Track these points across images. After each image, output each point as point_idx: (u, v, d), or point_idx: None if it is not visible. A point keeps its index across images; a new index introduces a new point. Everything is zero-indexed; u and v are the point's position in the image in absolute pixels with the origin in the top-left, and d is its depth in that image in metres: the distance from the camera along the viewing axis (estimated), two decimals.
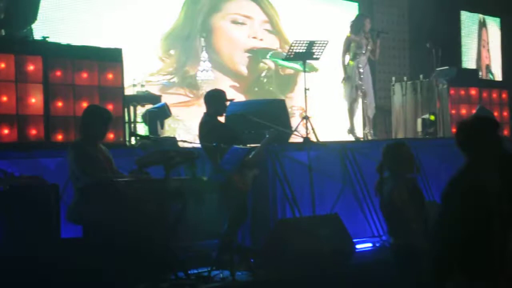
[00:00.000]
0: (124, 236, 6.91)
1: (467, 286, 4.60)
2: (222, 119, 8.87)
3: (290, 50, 11.05)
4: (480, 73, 14.75)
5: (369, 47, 12.11)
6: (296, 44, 10.99)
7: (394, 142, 7.30)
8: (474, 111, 12.58)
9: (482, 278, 4.55)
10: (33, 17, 8.80)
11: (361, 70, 12.02)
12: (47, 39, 8.67)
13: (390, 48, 13.12)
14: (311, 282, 7.70)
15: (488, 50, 16.12)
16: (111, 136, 8.45)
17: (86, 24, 10.00)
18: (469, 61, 15.05)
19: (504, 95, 14.06)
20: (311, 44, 11.02)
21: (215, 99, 8.64)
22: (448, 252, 4.64)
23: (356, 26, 12.09)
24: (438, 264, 4.72)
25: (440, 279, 4.67)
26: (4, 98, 8.03)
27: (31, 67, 8.21)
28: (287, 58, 11.19)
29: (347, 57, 12.12)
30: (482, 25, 15.91)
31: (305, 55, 11.04)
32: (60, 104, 8.39)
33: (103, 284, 6.65)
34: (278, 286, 7.74)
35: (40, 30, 8.90)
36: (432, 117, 12.45)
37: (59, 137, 8.36)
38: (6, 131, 8.05)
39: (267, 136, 8.60)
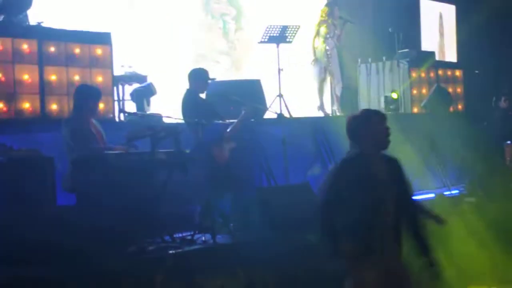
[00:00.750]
0: (115, 204, 7.03)
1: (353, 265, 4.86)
2: (203, 96, 8.94)
3: (265, 34, 11.12)
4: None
5: (336, 32, 12.22)
6: (270, 29, 11.08)
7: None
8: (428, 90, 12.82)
9: (366, 256, 4.79)
10: (28, 3, 8.80)
11: (329, 53, 12.14)
12: (41, 24, 8.70)
13: (356, 32, 13.16)
14: (283, 244, 7.81)
15: (442, 33, 16.21)
16: (102, 112, 8.48)
17: (78, 9, 9.95)
18: (427, 44, 15.12)
19: (458, 74, 14.23)
20: (284, 28, 11.13)
21: (198, 76, 8.70)
22: (335, 233, 4.85)
23: (326, 13, 12.20)
24: (328, 244, 4.93)
25: (332, 256, 4.95)
26: (2, 78, 8.02)
27: (27, 49, 8.21)
28: (262, 42, 11.23)
29: (317, 41, 12.21)
30: (439, 11, 15.98)
31: (278, 39, 11.13)
32: (54, 83, 8.40)
33: (96, 247, 6.70)
34: (255, 247, 7.74)
35: (35, 15, 8.86)
36: (394, 95, 12.59)
37: (54, 113, 8.37)
38: (4, 108, 8.04)
39: (243, 112, 8.71)
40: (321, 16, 12.35)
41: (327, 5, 12.55)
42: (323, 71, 12.17)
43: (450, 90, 13.34)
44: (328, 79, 12.27)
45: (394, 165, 5.06)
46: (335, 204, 4.86)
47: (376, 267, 4.79)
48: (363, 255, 4.79)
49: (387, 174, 4.95)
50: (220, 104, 8.91)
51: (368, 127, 4.95)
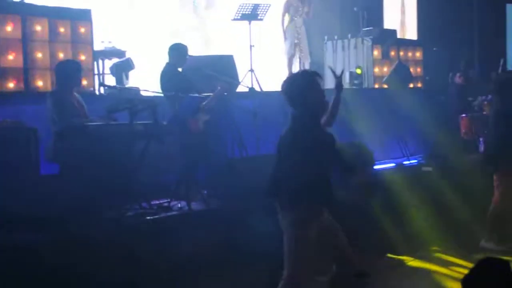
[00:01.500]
0: (95, 173, 7.01)
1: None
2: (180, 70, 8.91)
3: (238, 12, 11.11)
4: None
5: (305, 9, 12.22)
6: (243, 7, 11.07)
7: None
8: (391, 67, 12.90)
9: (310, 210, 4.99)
10: None
11: (298, 30, 12.17)
12: (24, 0, 8.62)
13: (323, 11, 13.20)
14: (254, 210, 7.86)
15: (404, 13, 16.28)
16: (83, 86, 8.42)
17: None
18: (390, 23, 15.20)
19: (418, 54, 14.33)
20: (256, 6, 11.13)
21: (178, 51, 8.70)
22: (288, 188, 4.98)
23: None
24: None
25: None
26: None
27: (10, 25, 8.13)
28: (235, 19, 11.22)
29: (287, 18, 12.21)
30: None
31: (250, 16, 11.13)
32: (37, 57, 8.34)
33: (78, 214, 6.73)
34: (227, 214, 7.85)
35: None
36: (358, 71, 12.67)
37: (38, 88, 8.31)
38: None
39: (219, 88, 8.71)
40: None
41: None
42: (293, 47, 12.20)
43: (412, 69, 13.43)
44: (297, 55, 12.28)
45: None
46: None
47: (317, 219, 5.05)
48: (309, 209, 4.96)
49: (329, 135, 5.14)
50: (195, 78, 8.90)
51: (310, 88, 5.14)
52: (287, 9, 12.16)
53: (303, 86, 5.10)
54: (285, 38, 12.28)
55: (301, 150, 4.95)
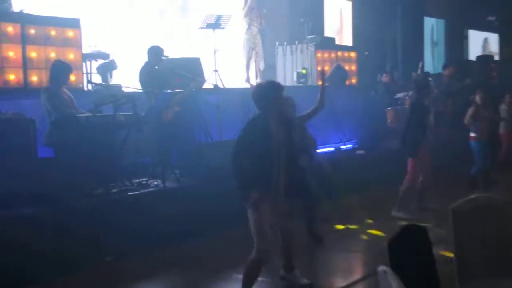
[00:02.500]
0: (85, 156, 7.00)
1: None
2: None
3: (204, 21, 11.09)
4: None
5: (259, 21, 12.26)
6: (208, 17, 11.07)
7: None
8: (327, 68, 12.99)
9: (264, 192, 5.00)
10: None
11: (254, 37, 12.18)
12: (23, 11, 8.53)
13: (275, 22, 13.24)
14: (217, 186, 7.91)
15: (341, 23, 16.37)
16: (73, 83, 8.35)
17: None
18: (330, 31, 15.27)
19: (353, 55, 14.45)
20: (219, 17, 11.13)
21: (155, 52, 8.63)
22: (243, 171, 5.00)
23: (251, 5, 12.23)
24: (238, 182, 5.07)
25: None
26: None
27: (12, 31, 8.04)
28: (201, 28, 11.20)
29: (245, 27, 12.22)
30: (340, 6, 16.11)
31: (214, 25, 11.12)
32: (34, 58, 8.26)
33: (71, 189, 6.73)
34: (196, 190, 7.87)
35: (17, 3, 8.70)
36: (304, 71, 12.75)
37: (34, 84, 8.23)
38: None
39: (192, 85, 8.75)
40: (246, 8, 12.35)
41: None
42: (250, 51, 12.22)
43: (347, 68, 13.54)
44: (254, 58, 12.30)
45: (287, 125, 5.24)
46: (243, 153, 4.99)
47: (270, 201, 5.05)
48: (262, 192, 4.96)
49: (281, 131, 5.14)
50: (168, 77, 8.90)
51: (270, 95, 5.15)
52: (245, 19, 12.18)
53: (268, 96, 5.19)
54: (244, 44, 12.31)
55: (250, 144, 5.01)
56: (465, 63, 18.88)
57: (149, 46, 8.79)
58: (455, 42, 20.91)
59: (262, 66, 12.52)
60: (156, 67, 8.69)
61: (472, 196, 3.83)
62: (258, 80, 12.45)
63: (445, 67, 14.46)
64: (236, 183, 5.06)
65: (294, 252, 5.58)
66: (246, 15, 12.14)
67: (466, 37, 21.88)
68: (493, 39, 23.40)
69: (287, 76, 13.10)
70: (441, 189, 8.80)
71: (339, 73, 12.76)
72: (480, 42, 22.78)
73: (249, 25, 12.16)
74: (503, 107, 12.22)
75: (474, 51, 21.43)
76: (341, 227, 7.98)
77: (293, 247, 5.54)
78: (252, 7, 12.13)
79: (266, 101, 5.12)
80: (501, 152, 11.66)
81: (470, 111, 10.15)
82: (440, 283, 3.21)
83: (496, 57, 21.45)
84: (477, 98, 10.46)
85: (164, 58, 8.79)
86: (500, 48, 23.00)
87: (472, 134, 10.03)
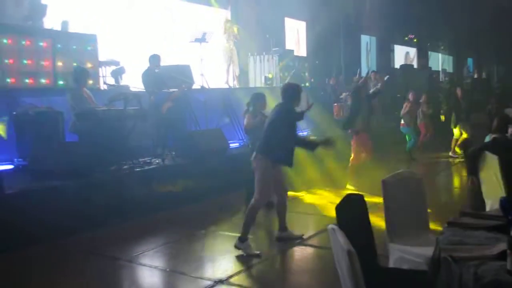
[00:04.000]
0: (102, 140, 6.95)
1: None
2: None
3: (192, 36, 11.02)
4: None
5: (235, 36, 12.24)
6: (195, 32, 11.02)
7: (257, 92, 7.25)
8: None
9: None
10: (44, 13, 8.49)
11: (231, 49, 12.16)
12: (53, 28, 8.44)
13: (248, 38, 13.19)
14: (204, 164, 7.93)
15: (298, 39, 16.37)
16: (92, 84, 8.31)
17: (76, 17, 9.60)
18: (289, 45, 15.28)
19: (306, 64, 14.46)
20: (204, 33, 11.07)
21: (154, 59, 8.49)
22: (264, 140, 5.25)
23: (227, 25, 12.19)
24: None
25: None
26: (29, 63, 7.79)
27: (45, 45, 7.96)
28: (190, 41, 11.13)
29: (225, 41, 12.17)
30: (296, 26, 16.09)
31: (200, 39, 11.06)
32: (61, 66, 8.18)
33: (91, 166, 6.69)
34: (187, 167, 7.86)
35: (48, 21, 8.61)
36: (270, 76, 12.77)
37: (61, 84, 8.17)
38: (31, 82, 7.85)
39: (184, 86, 8.71)
40: (225, 27, 12.31)
41: (226, 21, 12.47)
42: (228, 60, 12.19)
43: (302, 73, 13.62)
44: (231, 65, 12.28)
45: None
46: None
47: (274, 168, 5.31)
48: (272, 160, 5.24)
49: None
50: (166, 79, 8.83)
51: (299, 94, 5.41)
52: (224, 35, 12.14)
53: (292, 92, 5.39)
54: (223, 54, 12.27)
55: (278, 128, 5.19)
56: (391, 70, 19.09)
57: (149, 55, 8.74)
58: (384, 54, 21.11)
59: (237, 71, 12.52)
60: (156, 71, 8.63)
61: (398, 171, 3.87)
62: (235, 83, 12.46)
63: (372, 72, 14.65)
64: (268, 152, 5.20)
65: (285, 214, 5.64)
66: (225, 30, 12.11)
67: (392, 51, 22.14)
68: (412, 52, 23.72)
69: (257, 80, 13.10)
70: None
71: (297, 77, 12.78)
72: (403, 55, 23.04)
73: (227, 40, 12.15)
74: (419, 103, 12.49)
75: (398, 61, 21.72)
76: (301, 193, 8.05)
77: (285, 208, 5.61)
78: (228, 27, 12.11)
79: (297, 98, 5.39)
80: (420, 138, 11.91)
81: (406, 106, 10.49)
82: (373, 236, 3.26)
83: (415, 66, 21.76)
84: (410, 96, 10.76)
85: (161, 66, 8.70)
86: (417, 59, 23.33)
87: (402, 122, 10.43)
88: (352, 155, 8.29)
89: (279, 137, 5.18)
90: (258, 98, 6.61)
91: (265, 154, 5.23)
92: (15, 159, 7.14)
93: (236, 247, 5.18)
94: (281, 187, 5.51)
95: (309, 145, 5.58)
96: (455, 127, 11.20)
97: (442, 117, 15.01)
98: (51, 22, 8.66)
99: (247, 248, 5.15)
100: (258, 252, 5.16)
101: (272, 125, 5.25)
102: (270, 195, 5.46)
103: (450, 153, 11.29)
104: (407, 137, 10.62)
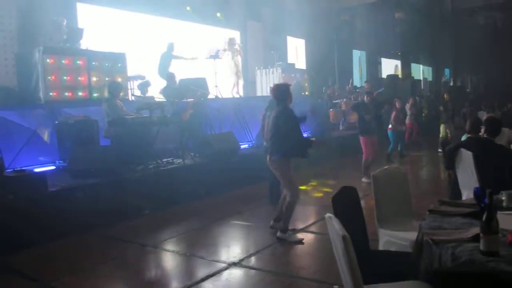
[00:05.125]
0: (131, 143, 6.99)
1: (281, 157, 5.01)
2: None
3: (207, 53, 11.03)
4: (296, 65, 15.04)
5: (239, 52, 12.16)
6: (210, 50, 11.03)
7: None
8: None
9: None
10: (81, 36, 8.56)
11: (236, 64, 12.01)
12: (88, 48, 8.49)
13: (255, 52, 13.21)
14: (218, 163, 7.94)
15: (297, 54, 16.29)
16: (122, 95, 8.32)
17: (108, 38, 9.66)
18: (291, 59, 15.24)
19: (306, 76, 14.39)
20: (218, 50, 11.11)
21: (172, 76, 8.68)
22: (273, 141, 5.02)
23: (229, 42, 12.11)
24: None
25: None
26: (69, 79, 7.83)
27: (81, 63, 8.01)
28: (206, 58, 11.14)
29: (232, 57, 12.08)
30: (295, 43, 16.03)
31: (214, 56, 11.08)
32: (95, 80, 8.22)
33: (122, 166, 6.73)
34: (205, 166, 7.85)
35: (84, 43, 8.68)
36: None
37: (96, 97, 8.22)
38: (70, 95, 7.87)
39: (199, 94, 8.72)
40: (229, 45, 12.10)
41: (230, 40, 12.23)
42: (235, 73, 12.13)
43: (302, 83, 13.59)
44: (237, 77, 12.18)
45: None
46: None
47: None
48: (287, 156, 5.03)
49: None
50: (185, 90, 8.88)
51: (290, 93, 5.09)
52: (231, 52, 12.09)
53: (284, 91, 5.09)
54: (232, 68, 12.15)
55: (282, 124, 4.96)
56: (379, 79, 19.03)
57: (166, 74, 8.83)
58: (373, 66, 21.04)
59: (241, 83, 12.46)
60: (174, 86, 8.68)
61: (386, 167, 3.87)
62: (242, 93, 12.40)
63: (365, 82, 14.63)
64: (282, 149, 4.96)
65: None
66: (230, 49, 12.01)
67: (379, 63, 22.04)
68: (399, 64, 23.63)
69: (263, 89, 13.07)
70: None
71: (298, 87, 12.78)
72: (390, 66, 22.93)
73: (232, 57, 12.06)
74: (407, 106, 12.52)
75: (385, 72, 21.61)
76: (302, 187, 8.02)
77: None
78: (231, 45, 11.98)
79: (289, 96, 5.06)
80: (406, 136, 11.90)
81: (394, 112, 10.44)
82: (365, 223, 3.25)
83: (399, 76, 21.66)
84: (397, 104, 10.72)
85: (180, 79, 8.77)
86: (401, 70, 23.22)
87: (390, 126, 10.34)
88: (364, 153, 8.18)
89: (285, 131, 4.94)
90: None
91: (278, 153, 5.01)
92: (57, 161, 7.20)
93: (279, 238, 5.09)
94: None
95: (307, 141, 5.42)
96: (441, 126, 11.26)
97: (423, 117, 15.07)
98: (86, 43, 8.73)
99: (289, 237, 5.09)
100: (301, 238, 5.10)
101: (277, 125, 5.01)
102: (298, 187, 5.25)
103: (439, 149, 11.22)
104: (392, 138, 10.52)
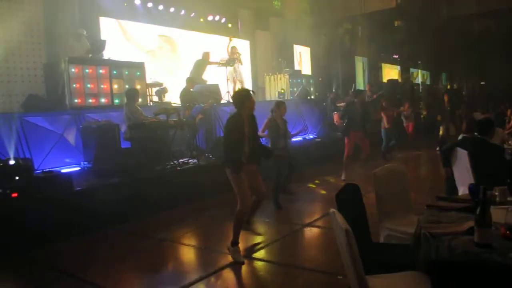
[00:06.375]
0: (150, 146, 7.03)
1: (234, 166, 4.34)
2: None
3: (220, 62, 10.98)
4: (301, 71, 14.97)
5: (240, 61, 11.99)
6: (222, 59, 11.01)
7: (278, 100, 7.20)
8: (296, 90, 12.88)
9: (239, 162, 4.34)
10: (103, 47, 8.64)
11: (237, 71, 11.55)
12: (110, 58, 8.57)
13: (264, 59, 13.21)
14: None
15: (301, 61, 16.20)
16: (141, 101, 8.41)
17: (128, 50, 9.74)
18: (297, 66, 15.18)
19: (311, 80, 14.39)
20: (229, 59, 11.08)
21: (190, 81, 8.72)
22: (225, 151, 4.41)
23: (231, 51, 11.93)
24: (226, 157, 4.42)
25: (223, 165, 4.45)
26: (92, 86, 7.90)
27: (104, 72, 8.09)
28: (219, 66, 11.12)
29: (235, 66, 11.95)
30: (299, 50, 15.94)
31: (226, 64, 11.04)
32: (116, 88, 8.29)
33: (141, 167, 6.74)
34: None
35: (106, 53, 8.75)
36: (282, 91, 12.69)
37: (117, 103, 8.27)
38: (93, 101, 7.94)
39: (210, 101, 8.75)
40: (231, 53, 11.78)
41: (232, 48, 11.80)
42: (238, 79, 11.64)
43: (308, 88, 13.52)
44: (238, 83, 11.65)
45: (252, 119, 4.51)
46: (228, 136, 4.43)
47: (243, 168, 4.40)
48: (238, 162, 4.36)
49: (249, 124, 4.46)
50: (199, 96, 8.91)
51: (246, 99, 4.40)
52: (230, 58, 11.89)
53: (242, 97, 4.46)
54: (234, 75, 11.79)
55: (230, 132, 4.40)
56: (379, 83, 18.92)
57: (186, 77, 8.80)
58: (374, 71, 20.92)
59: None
60: (192, 90, 8.70)
61: (385, 165, 3.85)
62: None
63: (367, 84, 14.53)
64: (224, 160, 4.41)
65: (257, 209, 5.05)
66: (231, 55, 11.76)
67: (380, 68, 21.91)
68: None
69: (272, 94, 13.05)
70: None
71: (304, 92, 12.76)
72: (389, 71, 22.79)
73: (234, 63, 11.87)
74: (402, 109, 12.48)
75: (385, 76, 21.49)
76: (312, 185, 7.99)
77: (259, 204, 4.93)
78: (233, 53, 11.72)
79: (242, 103, 4.41)
80: (408, 137, 11.91)
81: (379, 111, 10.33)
82: (367, 218, 3.25)
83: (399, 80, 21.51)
84: (384, 104, 10.57)
85: (196, 85, 8.79)
86: (401, 74, 23.06)
87: (382, 125, 10.23)
88: (346, 151, 7.96)
89: (227, 143, 4.40)
90: (278, 106, 6.65)
91: (225, 163, 4.44)
92: (82, 162, 7.26)
93: (228, 249, 4.46)
94: (259, 187, 4.68)
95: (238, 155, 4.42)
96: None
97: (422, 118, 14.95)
98: (108, 53, 8.81)
99: (233, 253, 4.39)
100: (242, 260, 4.35)
101: (224, 133, 4.52)
102: (250, 198, 4.54)
103: (437, 148, 11.10)
104: (385, 136, 10.29)
